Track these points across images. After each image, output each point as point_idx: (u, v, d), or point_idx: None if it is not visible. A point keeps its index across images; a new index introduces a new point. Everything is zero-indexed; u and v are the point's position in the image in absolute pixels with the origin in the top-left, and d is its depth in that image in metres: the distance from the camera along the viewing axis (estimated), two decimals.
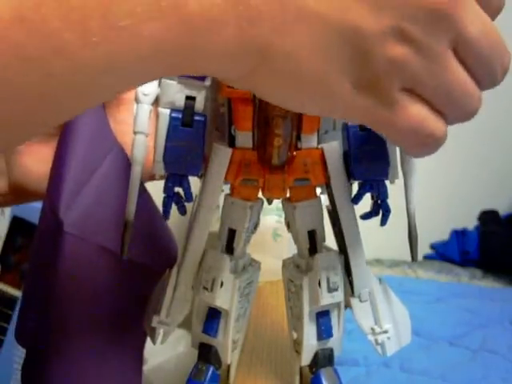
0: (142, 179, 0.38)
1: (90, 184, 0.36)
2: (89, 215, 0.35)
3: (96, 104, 0.22)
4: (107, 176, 0.38)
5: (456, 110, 0.24)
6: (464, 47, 0.22)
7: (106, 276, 0.38)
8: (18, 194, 0.41)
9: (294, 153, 0.34)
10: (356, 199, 0.34)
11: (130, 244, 0.36)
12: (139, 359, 0.41)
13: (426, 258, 1.24)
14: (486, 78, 0.24)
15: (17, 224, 0.86)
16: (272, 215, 0.65)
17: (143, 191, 0.38)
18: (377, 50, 0.21)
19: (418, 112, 0.23)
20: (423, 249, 1.23)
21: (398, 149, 0.33)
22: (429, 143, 0.24)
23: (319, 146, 0.34)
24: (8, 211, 0.86)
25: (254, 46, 0.20)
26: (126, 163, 0.36)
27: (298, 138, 0.34)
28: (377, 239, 0.71)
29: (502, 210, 1.22)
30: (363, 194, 0.34)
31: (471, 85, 0.23)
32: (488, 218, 1.22)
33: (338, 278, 0.35)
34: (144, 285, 0.38)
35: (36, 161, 0.40)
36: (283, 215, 0.38)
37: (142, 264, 0.39)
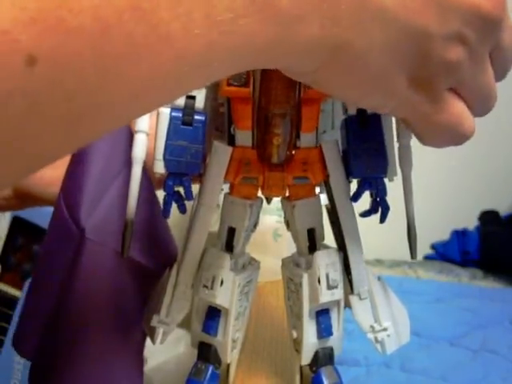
0: (155, 187, 0.38)
1: (111, 191, 0.36)
2: (108, 221, 0.36)
3: (181, 96, 0.23)
4: (127, 183, 0.38)
5: (482, 107, 0.26)
6: (498, 52, 0.25)
7: (121, 280, 0.38)
8: (23, 198, 0.41)
9: (293, 151, 0.34)
10: (355, 197, 0.34)
11: (142, 249, 0.37)
12: (141, 360, 0.41)
13: (427, 258, 1.24)
14: (500, 76, 0.26)
15: (17, 224, 0.86)
16: (272, 215, 0.65)
17: (152, 195, 0.38)
18: (438, 51, 0.23)
19: (458, 109, 0.25)
20: (424, 249, 1.23)
21: (396, 147, 0.34)
22: (461, 140, 0.26)
23: (318, 145, 0.34)
24: (8, 211, 0.86)
25: (331, 43, 0.21)
26: (144, 170, 0.36)
27: (297, 136, 0.34)
28: (377, 239, 0.71)
29: (503, 211, 1.22)
30: (362, 191, 0.34)
31: (494, 83, 0.26)
32: (488, 218, 1.22)
33: (337, 276, 0.35)
34: (148, 287, 0.39)
35: None
36: (283, 216, 0.38)
37: (150, 268, 0.39)
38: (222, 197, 0.36)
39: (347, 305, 0.37)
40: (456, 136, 0.26)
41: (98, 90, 0.18)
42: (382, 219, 0.34)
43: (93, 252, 0.36)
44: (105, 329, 0.38)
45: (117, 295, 0.38)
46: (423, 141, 0.27)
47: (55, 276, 0.37)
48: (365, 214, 0.35)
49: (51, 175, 0.39)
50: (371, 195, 0.34)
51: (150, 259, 0.39)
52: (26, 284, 0.84)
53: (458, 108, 0.25)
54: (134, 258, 0.38)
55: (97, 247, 0.36)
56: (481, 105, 0.26)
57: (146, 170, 0.36)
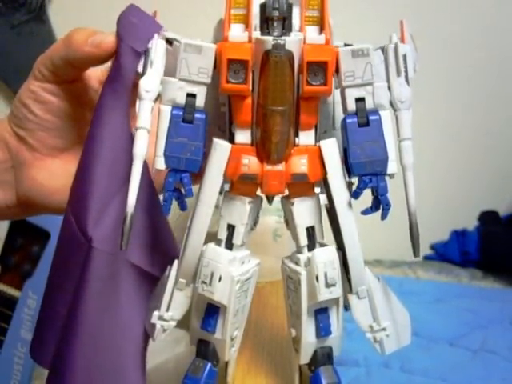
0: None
1: (117, 199, 0.36)
2: (116, 230, 0.35)
3: None
4: None
5: None
6: None
7: (132, 291, 0.38)
8: (26, 207, 0.41)
9: (292, 150, 0.34)
10: (355, 194, 0.34)
11: (149, 258, 0.37)
12: (144, 362, 0.41)
13: (426, 258, 1.24)
14: None
15: (17, 225, 0.86)
16: (272, 215, 0.66)
17: (155, 200, 0.38)
18: None
19: None
20: (423, 249, 1.23)
21: (396, 143, 0.34)
22: None
23: (317, 144, 0.34)
24: (12, 219, 0.86)
25: None
26: (150, 177, 0.36)
27: (297, 134, 0.34)
28: (377, 240, 0.71)
29: (503, 211, 1.22)
30: (363, 188, 0.34)
31: None
32: (488, 218, 1.21)
33: (335, 273, 0.35)
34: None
35: (46, 175, 0.40)
36: (283, 215, 0.38)
37: (156, 276, 0.39)
38: (222, 197, 0.36)
39: (347, 306, 0.37)
40: None
41: None
42: (383, 216, 0.34)
43: (101, 262, 0.36)
44: (111, 336, 0.38)
45: (127, 304, 0.38)
46: None
47: (67, 285, 0.37)
48: (366, 212, 0.35)
49: (55, 184, 0.40)
50: (372, 193, 0.34)
51: (156, 267, 0.39)
52: (26, 284, 0.84)
53: None
54: (142, 267, 0.38)
55: (106, 257, 0.36)
56: None
57: (149, 173, 0.36)
